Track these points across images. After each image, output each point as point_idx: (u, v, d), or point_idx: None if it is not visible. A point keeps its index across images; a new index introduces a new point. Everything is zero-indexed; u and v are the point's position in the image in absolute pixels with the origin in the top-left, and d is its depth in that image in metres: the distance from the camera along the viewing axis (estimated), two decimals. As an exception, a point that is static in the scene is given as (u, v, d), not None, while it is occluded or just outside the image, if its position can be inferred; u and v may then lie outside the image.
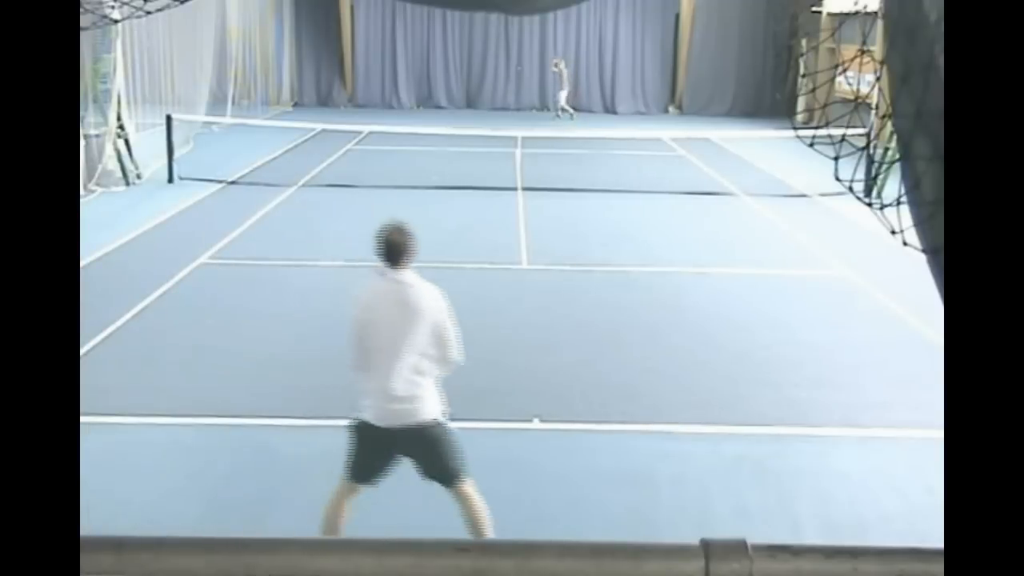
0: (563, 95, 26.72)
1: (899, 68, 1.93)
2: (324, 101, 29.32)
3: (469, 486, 4.74)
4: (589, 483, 5.81)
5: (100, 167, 14.81)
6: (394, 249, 4.59)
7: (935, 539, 1.39)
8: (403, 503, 4.95)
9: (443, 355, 4.63)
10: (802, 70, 23.46)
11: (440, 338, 4.60)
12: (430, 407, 4.63)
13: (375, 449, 4.71)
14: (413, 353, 4.55)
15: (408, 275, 4.62)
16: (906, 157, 1.91)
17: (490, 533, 4.73)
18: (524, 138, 19.32)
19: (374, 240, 4.63)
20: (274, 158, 18.58)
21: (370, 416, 4.63)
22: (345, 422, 6.35)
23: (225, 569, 1.35)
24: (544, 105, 28.60)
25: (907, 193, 1.95)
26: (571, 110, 26.60)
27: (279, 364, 7.72)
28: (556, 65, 27.13)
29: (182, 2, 4.37)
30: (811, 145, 2.55)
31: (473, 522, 4.73)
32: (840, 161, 2.37)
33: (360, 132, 20.94)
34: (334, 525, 4.79)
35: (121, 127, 15.29)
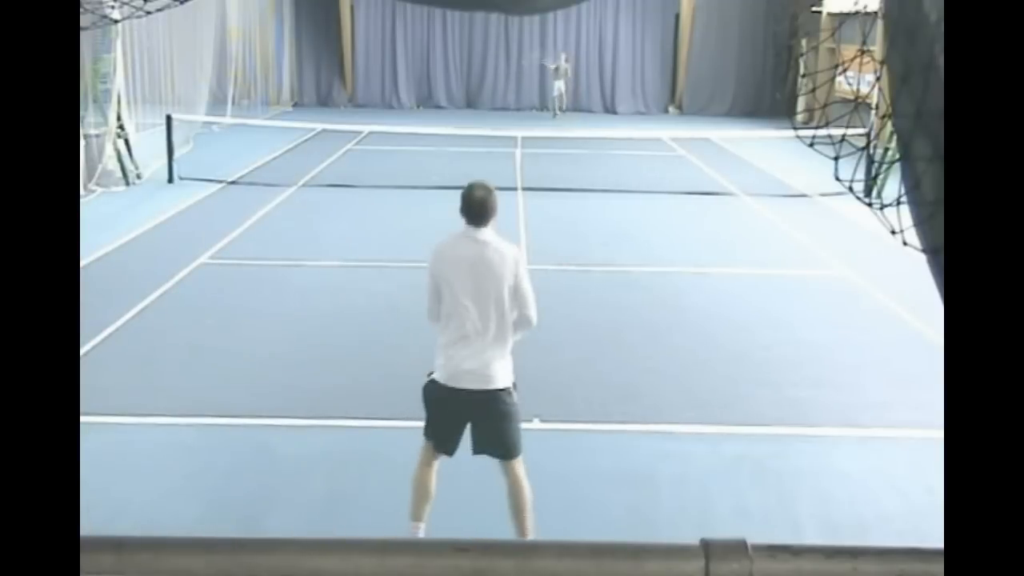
0: (558, 86, 26.86)
1: (899, 68, 1.93)
2: (324, 101, 29.32)
3: (521, 466, 4.72)
4: (589, 483, 5.81)
5: (100, 167, 14.81)
6: (478, 206, 4.56)
7: (935, 539, 1.39)
8: (404, 503, 4.95)
9: (521, 315, 4.62)
10: (802, 70, 23.46)
11: (519, 297, 4.58)
12: (503, 374, 4.60)
13: (446, 410, 4.67)
14: (492, 314, 4.53)
15: (488, 233, 4.61)
16: (906, 157, 1.91)
17: (531, 517, 4.70)
18: (524, 138, 19.31)
19: (462, 201, 4.59)
20: (274, 158, 18.58)
21: (442, 375, 4.59)
22: (344, 422, 6.35)
23: (225, 569, 1.35)
24: (544, 105, 28.63)
25: (907, 193, 1.95)
26: (563, 105, 26.73)
27: (279, 364, 7.72)
28: (557, 67, 27.21)
29: (182, 2, 4.37)
30: (811, 145, 2.55)
31: (517, 502, 4.70)
32: (840, 161, 2.37)
33: (360, 132, 20.93)
34: (424, 488, 4.77)
35: (121, 127, 15.29)
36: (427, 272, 4.70)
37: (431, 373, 4.69)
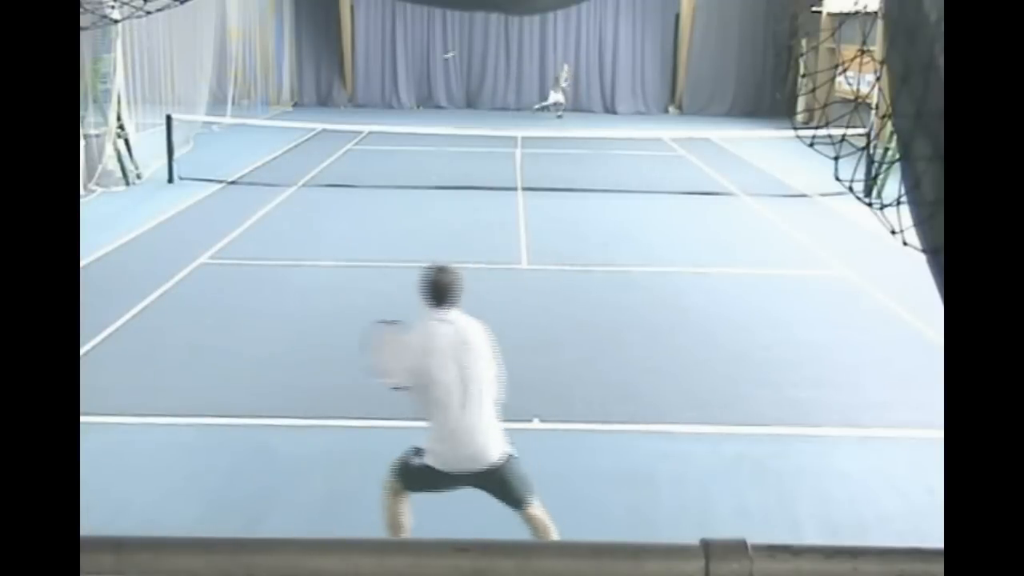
0: (554, 95, 27.01)
1: (899, 68, 1.93)
2: (324, 101, 29.32)
3: (537, 508, 4.66)
4: (589, 483, 5.81)
5: (100, 167, 14.81)
6: (446, 290, 4.51)
7: (935, 539, 1.39)
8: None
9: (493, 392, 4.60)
10: (802, 70, 23.46)
11: (493, 374, 4.58)
12: (498, 445, 4.56)
13: (438, 486, 4.62)
14: (480, 393, 4.49)
15: (456, 313, 4.55)
16: (906, 157, 1.91)
17: None
18: (524, 138, 19.32)
19: (427, 288, 4.52)
20: (274, 158, 18.58)
21: (436, 462, 4.52)
22: (344, 422, 6.34)
23: (225, 569, 1.35)
24: (544, 106, 28.69)
25: (907, 193, 1.95)
26: (550, 107, 26.85)
27: (279, 364, 7.72)
28: (557, 78, 27.33)
29: (182, 2, 4.38)
30: (811, 145, 2.55)
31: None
32: (840, 161, 2.37)
33: (360, 132, 20.94)
34: (400, 527, 4.70)
35: (121, 127, 15.29)
36: (407, 372, 4.50)
37: (419, 453, 4.59)
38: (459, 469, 4.51)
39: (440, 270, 4.56)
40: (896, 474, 6.01)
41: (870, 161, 3.48)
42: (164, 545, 1.38)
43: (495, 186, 15.51)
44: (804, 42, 26.74)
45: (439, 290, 4.51)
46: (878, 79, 2.29)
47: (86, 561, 1.34)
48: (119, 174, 15.17)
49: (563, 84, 27.13)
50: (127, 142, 15.44)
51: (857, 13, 2.75)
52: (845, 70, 2.82)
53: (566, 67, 27.83)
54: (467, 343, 4.50)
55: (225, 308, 9.26)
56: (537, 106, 27.30)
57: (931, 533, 1.88)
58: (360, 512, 5.41)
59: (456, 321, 4.54)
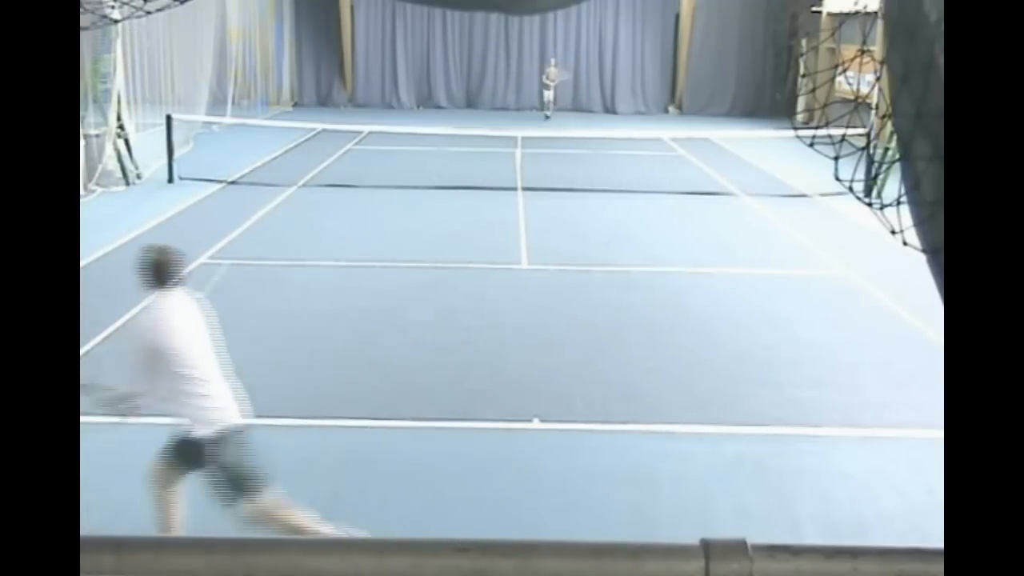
0: (547, 94, 27.05)
1: (899, 68, 1.93)
2: (324, 101, 29.33)
3: (273, 501, 4.67)
4: (589, 483, 5.81)
5: (100, 167, 14.81)
6: (166, 270, 4.61)
7: (935, 539, 1.39)
8: (404, 503, 4.95)
9: None
10: (802, 70, 23.45)
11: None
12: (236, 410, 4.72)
13: (198, 462, 4.70)
14: (217, 361, 4.73)
15: (180, 291, 4.69)
16: (906, 157, 1.91)
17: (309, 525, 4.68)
18: (524, 138, 19.32)
19: (149, 270, 4.61)
20: (274, 158, 18.58)
21: (204, 430, 4.61)
22: (344, 422, 6.33)
23: (225, 569, 1.35)
24: (543, 106, 28.71)
25: (907, 193, 1.95)
26: (550, 109, 26.88)
27: (279, 364, 7.71)
28: (549, 76, 27.34)
29: (182, 2, 4.38)
30: (811, 145, 2.55)
31: (294, 531, 4.62)
32: (840, 161, 2.37)
33: (360, 132, 20.94)
34: (172, 519, 4.81)
35: (121, 127, 15.29)
36: (158, 349, 4.57)
37: (187, 433, 4.63)
38: (224, 427, 4.61)
39: (161, 251, 4.67)
40: (896, 474, 6.01)
41: (870, 161, 3.48)
42: (164, 545, 1.38)
43: (495, 186, 15.51)
44: (804, 42, 26.76)
45: (162, 270, 4.61)
46: (878, 79, 2.29)
47: (86, 561, 1.34)
48: (119, 174, 15.16)
49: (549, 82, 27.13)
50: (127, 142, 15.44)
51: (857, 13, 2.75)
52: (845, 70, 2.82)
53: (553, 61, 27.80)
54: (198, 317, 4.71)
55: (225, 308, 9.22)
56: (547, 112, 27.18)
57: (931, 533, 1.88)
58: (360, 512, 5.41)
59: (183, 298, 4.70)
